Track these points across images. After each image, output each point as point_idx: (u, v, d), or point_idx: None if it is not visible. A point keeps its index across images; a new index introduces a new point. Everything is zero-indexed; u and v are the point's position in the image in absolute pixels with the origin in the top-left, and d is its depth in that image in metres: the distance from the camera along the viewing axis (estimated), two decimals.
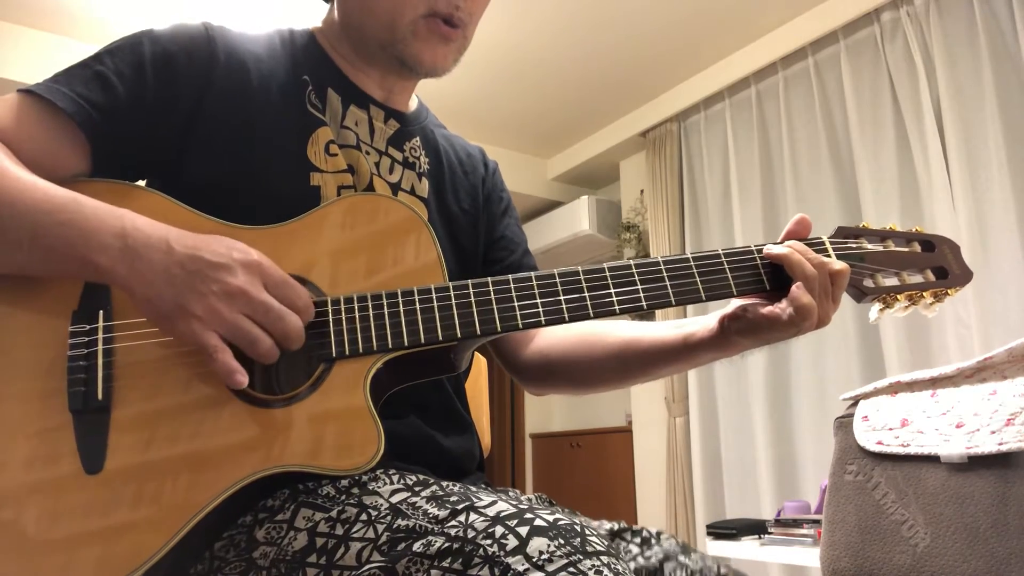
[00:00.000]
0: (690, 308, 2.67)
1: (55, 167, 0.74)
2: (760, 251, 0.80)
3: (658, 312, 2.98)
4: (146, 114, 0.78)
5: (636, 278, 0.76)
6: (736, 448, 3.26)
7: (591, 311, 0.75)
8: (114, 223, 0.67)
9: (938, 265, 0.84)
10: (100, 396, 0.67)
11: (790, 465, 3.02)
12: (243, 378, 0.65)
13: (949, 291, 0.83)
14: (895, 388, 1.44)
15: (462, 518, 0.60)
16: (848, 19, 2.97)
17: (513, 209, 1.06)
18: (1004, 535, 1.17)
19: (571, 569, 0.54)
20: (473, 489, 0.66)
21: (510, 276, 0.75)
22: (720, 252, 0.79)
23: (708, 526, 2.52)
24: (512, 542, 0.56)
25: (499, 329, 0.73)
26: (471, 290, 0.74)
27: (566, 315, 0.74)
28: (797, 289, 0.75)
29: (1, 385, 0.67)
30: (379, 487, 0.68)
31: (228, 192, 0.79)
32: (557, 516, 0.59)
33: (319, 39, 0.92)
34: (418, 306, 0.72)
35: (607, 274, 0.76)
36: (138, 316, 0.69)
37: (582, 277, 0.76)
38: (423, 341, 0.71)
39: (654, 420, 3.74)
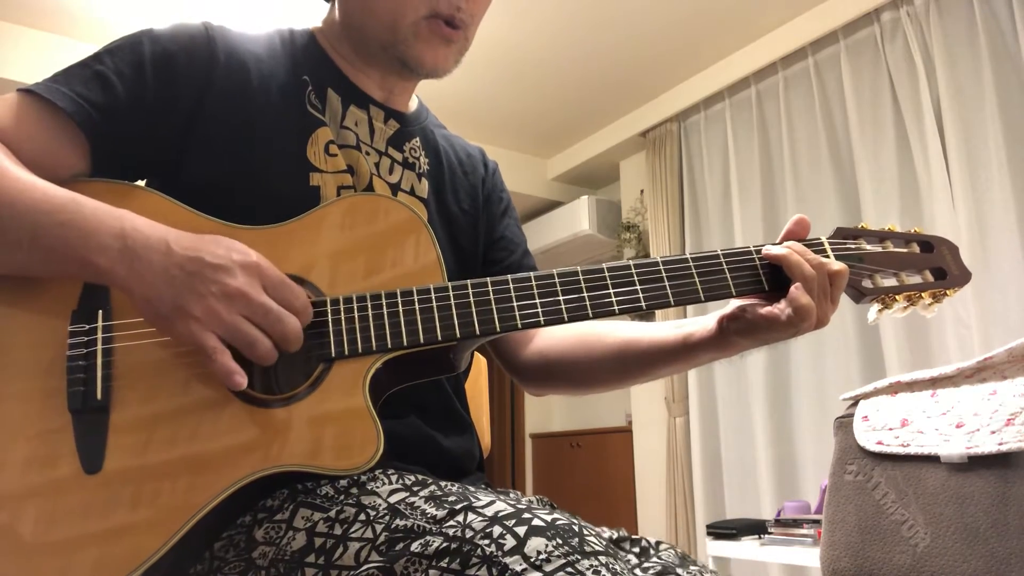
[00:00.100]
0: (690, 309, 2.67)
1: (55, 167, 0.74)
2: (759, 252, 0.80)
3: (658, 313, 2.98)
4: (146, 114, 0.78)
5: (635, 278, 0.77)
6: (736, 448, 3.26)
7: (590, 311, 0.75)
8: (113, 224, 0.67)
9: (937, 266, 0.84)
10: (99, 396, 0.67)
11: (790, 465, 3.02)
12: (242, 379, 0.65)
13: (948, 292, 0.83)
14: (895, 388, 1.44)
15: (460, 518, 0.60)
16: (848, 19, 2.97)
17: (513, 209, 1.06)
18: (1004, 535, 1.17)
19: (569, 569, 0.54)
20: (471, 489, 0.66)
21: (509, 276, 0.75)
22: (719, 253, 0.79)
23: (708, 526, 2.52)
24: (510, 542, 0.56)
25: (498, 329, 0.73)
26: (470, 290, 0.74)
27: (565, 315, 0.74)
28: (796, 290, 0.75)
29: (0, 385, 0.67)
30: (378, 487, 0.68)
31: (227, 192, 0.79)
32: (555, 516, 0.59)
33: (319, 39, 0.92)
34: (417, 306, 0.72)
35: (606, 274, 0.76)
36: (137, 316, 0.69)
37: (581, 277, 0.76)
38: (422, 341, 0.71)
39: (654, 420, 3.74)
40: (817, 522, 2.12)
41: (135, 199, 0.75)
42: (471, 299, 0.73)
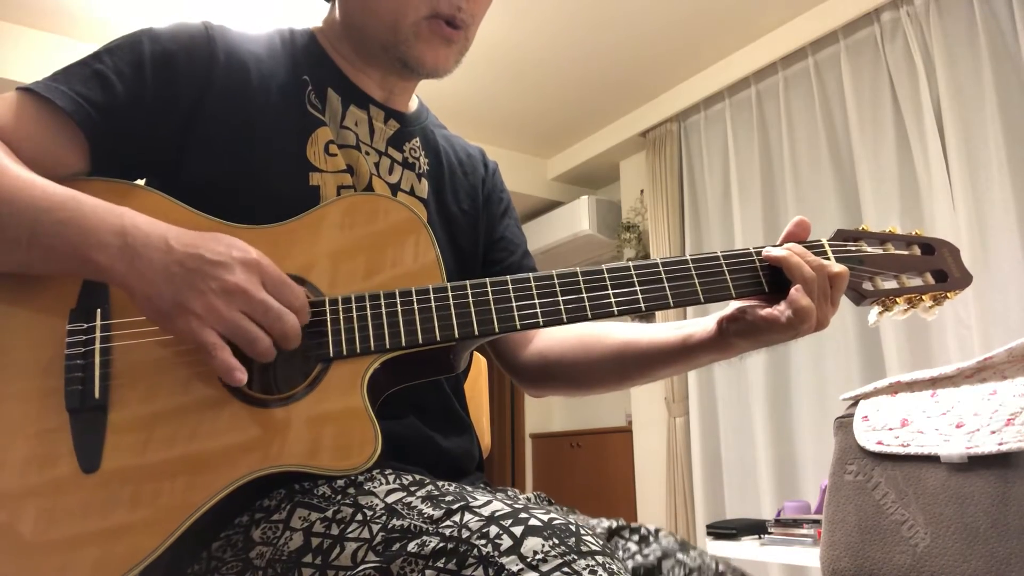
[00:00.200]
0: (690, 310, 2.67)
1: (54, 166, 0.74)
2: (759, 253, 0.80)
3: (658, 314, 2.98)
4: (145, 113, 0.78)
5: (635, 279, 0.76)
6: (736, 448, 3.26)
7: (589, 312, 0.75)
8: (113, 221, 0.67)
9: (938, 268, 0.84)
10: (97, 395, 0.67)
11: (790, 465, 3.02)
12: (242, 375, 0.65)
13: (948, 294, 0.83)
14: (895, 388, 1.44)
15: (457, 518, 0.60)
16: (848, 19, 2.97)
17: (513, 210, 1.06)
18: (1004, 535, 1.17)
19: (565, 569, 0.54)
20: (469, 489, 0.66)
21: (508, 277, 0.75)
22: (719, 254, 0.79)
23: (708, 526, 2.52)
24: (506, 542, 0.56)
25: (497, 330, 0.73)
26: (469, 291, 0.74)
27: (564, 316, 0.74)
28: (796, 291, 0.75)
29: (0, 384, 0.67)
30: (375, 487, 0.68)
31: (227, 192, 0.79)
32: (552, 516, 0.59)
33: (319, 39, 0.92)
34: (416, 307, 0.72)
35: (605, 275, 0.76)
36: (136, 315, 0.69)
37: (580, 278, 0.76)
38: (421, 342, 0.71)
39: (654, 420, 3.74)
40: (817, 522, 2.12)
41: (135, 198, 0.75)
42: (470, 300, 0.73)
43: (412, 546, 0.59)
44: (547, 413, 4.95)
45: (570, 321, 0.75)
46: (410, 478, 0.69)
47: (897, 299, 0.82)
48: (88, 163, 0.77)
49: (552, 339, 0.97)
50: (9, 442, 0.65)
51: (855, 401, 1.48)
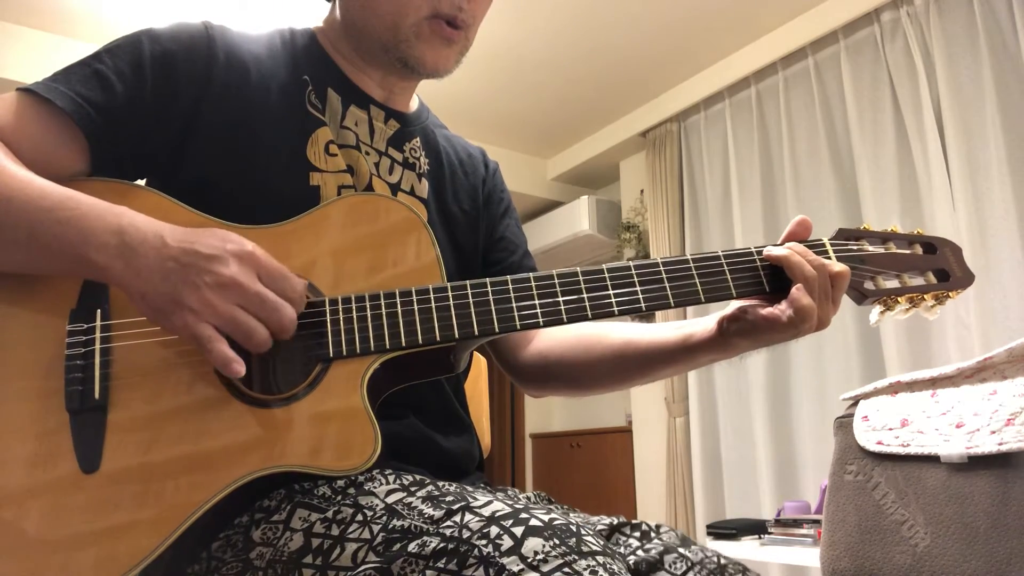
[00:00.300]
0: (690, 310, 2.66)
1: (54, 166, 0.74)
2: (760, 253, 0.80)
3: (658, 314, 2.98)
4: (145, 113, 0.78)
5: (635, 279, 0.76)
6: (736, 448, 3.26)
7: (589, 312, 0.75)
8: (112, 221, 0.67)
9: (940, 267, 0.83)
10: (97, 395, 0.67)
11: (790, 465, 3.02)
12: (240, 367, 0.64)
13: (950, 294, 0.83)
14: (895, 388, 1.44)
15: (457, 518, 0.60)
16: (848, 19, 2.97)
17: (513, 210, 1.06)
18: (1004, 535, 1.17)
19: (566, 569, 0.54)
20: (469, 489, 0.66)
21: (508, 277, 0.75)
22: (720, 254, 0.79)
23: (708, 526, 2.52)
24: (507, 542, 0.56)
25: (497, 330, 0.73)
26: (469, 291, 0.73)
27: (564, 316, 0.74)
28: (797, 291, 0.75)
29: (0, 384, 0.67)
30: (375, 487, 0.68)
31: (227, 192, 0.79)
32: (553, 516, 0.59)
33: (320, 39, 0.92)
34: (416, 307, 0.72)
35: (606, 275, 0.76)
36: (136, 315, 0.69)
37: (580, 278, 0.76)
38: (421, 342, 0.71)
39: (654, 420, 3.74)
40: (817, 522, 2.12)
41: (135, 198, 0.75)
42: (470, 300, 0.73)
43: (413, 546, 0.59)
44: (547, 413, 4.95)
45: (570, 321, 0.75)
46: (410, 478, 0.69)
47: (899, 298, 0.82)
48: (88, 163, 0.77)
49: (552, 339, 0.97)
50: (9, 442, 0.65)
51: (855, 401, 1.48)
